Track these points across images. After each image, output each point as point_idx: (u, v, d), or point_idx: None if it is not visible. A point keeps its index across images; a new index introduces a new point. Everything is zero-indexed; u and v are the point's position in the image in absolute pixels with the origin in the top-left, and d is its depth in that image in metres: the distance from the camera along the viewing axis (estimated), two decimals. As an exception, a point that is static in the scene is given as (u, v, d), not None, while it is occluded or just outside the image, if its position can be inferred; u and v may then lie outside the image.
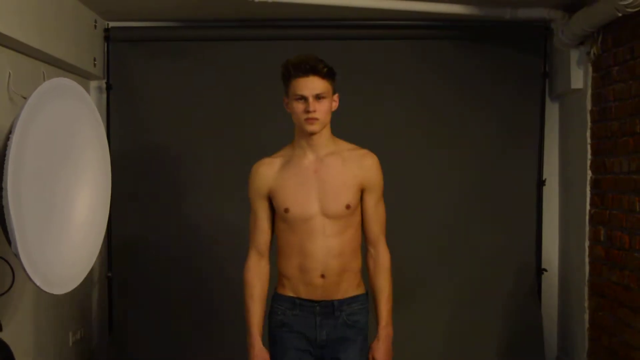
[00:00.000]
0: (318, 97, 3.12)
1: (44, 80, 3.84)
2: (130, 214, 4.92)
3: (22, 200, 2.91)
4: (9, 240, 2.88)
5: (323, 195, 3.22)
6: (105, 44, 4.88)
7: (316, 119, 3.12)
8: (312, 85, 3.12)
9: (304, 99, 3.12)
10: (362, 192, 3.28)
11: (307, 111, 3.11)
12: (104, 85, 4.93)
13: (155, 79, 4.91)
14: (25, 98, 3.54)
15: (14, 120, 2.92)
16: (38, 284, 2.98)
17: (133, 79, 4.92)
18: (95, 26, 4.70)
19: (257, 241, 3.33)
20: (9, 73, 3.60)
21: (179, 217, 4.97)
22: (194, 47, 4.94)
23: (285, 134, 3.38)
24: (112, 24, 4.90)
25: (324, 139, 3.24)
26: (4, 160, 2.84)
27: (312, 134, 3.18)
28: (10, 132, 2.89)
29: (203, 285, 4.95)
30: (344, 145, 3.32)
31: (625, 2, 3.69)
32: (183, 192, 4.96)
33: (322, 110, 3.13)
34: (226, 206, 4.89)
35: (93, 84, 4.96)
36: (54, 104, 3.17)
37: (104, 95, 4.93)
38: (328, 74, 3.16)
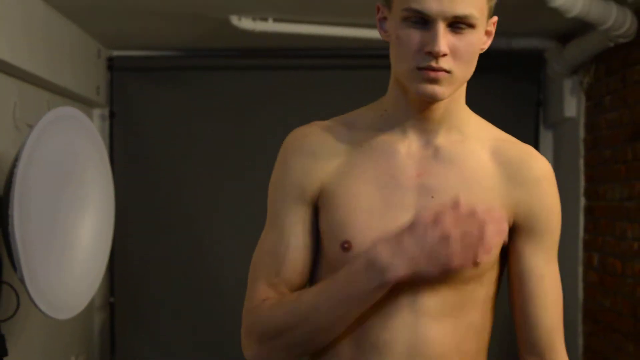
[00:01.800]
0: (458, 26, 1.57)
1: (48, 109, 3.91)
2: (133, 240, 4.98)
3: (28, 226, 2.97)
4: (14, 266, 2.94)
5: None
6: (109, 73, 4.96)
7: (446, 71, 1.57)
8: None
9: (424, 22, 1.56)
10: (513, 232, 1.73)
11: (429, 52, 1.55)
12: (107, 113, 5.01)
13: (158, 107, 4.98)
14: (30, 126, 3.61)
15: (20, 148, 2.99)
16: (43, 309, 3.04)
17: (136, 107, 4.99)
18: (98, 55, 4.78)
19: (279, 276, 1.69)
20: (15, 101, 3.67)
21: (182, 243, 5.01)
22: (196, 76, 5.01)
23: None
24: (115, 53, 4.98)
25: (452, 113, 1.70)
26: (10, 187, 2.91)
27: (431, 101, 1.63)
28: (16, 159, 2.96)
29: (207, 311, 4.99)
30: (491, 131, 1.77)
31: (617, 33, 3.77)
32: (186, 218, 5.01)
33: (464, 52, 1.57)
34: (228, 233, 4.94)
35: (96, 111, 5.03)
36: (59, 133, 3.24)
37: (107, 123, 5.01)
38: None
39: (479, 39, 1.61)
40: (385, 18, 1.66)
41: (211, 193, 5.00)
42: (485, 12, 1.63)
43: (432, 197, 1.64)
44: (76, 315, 3.43)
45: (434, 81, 1.56)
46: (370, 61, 4.99)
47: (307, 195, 1.69)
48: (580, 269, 4.59)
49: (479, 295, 1.70)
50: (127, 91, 4.99)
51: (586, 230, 4.54)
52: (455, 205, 1.53)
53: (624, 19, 3.69)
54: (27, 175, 2.97)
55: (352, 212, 1.64)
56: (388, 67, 1.70)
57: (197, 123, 5.01)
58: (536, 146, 5.00)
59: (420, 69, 1.56)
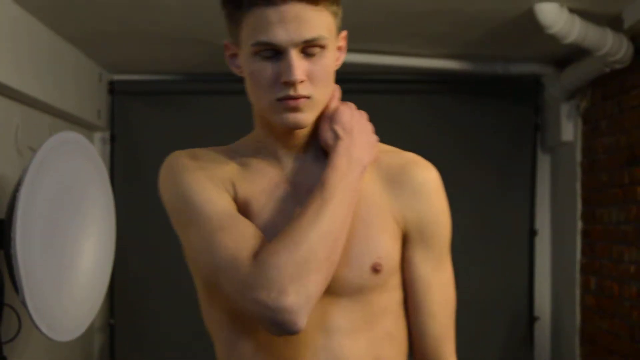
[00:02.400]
0: (309, 49, 1.56)
1: (50, 132, 3.95)
2: (134, 262, 4.99)
3: (30, 249, 3.00)
4: (16, 288, 2.96)
5: None
6: (110, 97, 4.99)
7: (306, 97, 1.57)
8: (294, 20, 1.53)
9: (275, 53, 1.55)
10: (405, 240, 1.71)
11: (286, 82, 1.54)
12: (108, 137, 5.04)
13: (159, 131, 5.00)
14: (31, 149, 3.65)
15: (23, 172, 3.02)
16: (44, 331, 3.06)
17: (137, 130, 5.02)
18: (100, 79, 4.82)
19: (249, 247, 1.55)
20: (17, 125, 3.70)
21: (182, 265, 4.99)
22: (197, 100, 5.04)
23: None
24: (116, 77, 5.02)
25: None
26: (12, 210, 2.94)
27: (297, 128, 1.63)
28: (19, 183, 2.99)
29: (207, 333, 4.99)
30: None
31: (613, 59, 3.81)
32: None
33: (320, 75, 1.58)
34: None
35: (97, 135, 5.07)
36: (61, 157, 3.27)
37: (108, 146, 5.04)
38: None
39: (332, 58, 1.61)
40: (235, 55, 1.65)
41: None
42: (334, 30, 1.60)
43: None
44: (76, 337, 3.44)
45: (296, 109, 1.56)
46: (368, 86, 5.04)
47: (228, 187, 1.67)
48: (577, 292, 4.61)
49: (387, 302, 1.69)
50: (127, 115, 5.02)
51: (583, 253, 4.57)
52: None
53: (619, 45, 3.74)
54: (30, 198, 3.00)
55: (262, 231, 1.60)
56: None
57: (197, 146, 5.01)
58: (534, 170, 5.05)
59: (280, 100, 1.56)
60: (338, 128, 1.65)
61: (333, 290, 1.60)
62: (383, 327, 1.68)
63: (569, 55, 4.41)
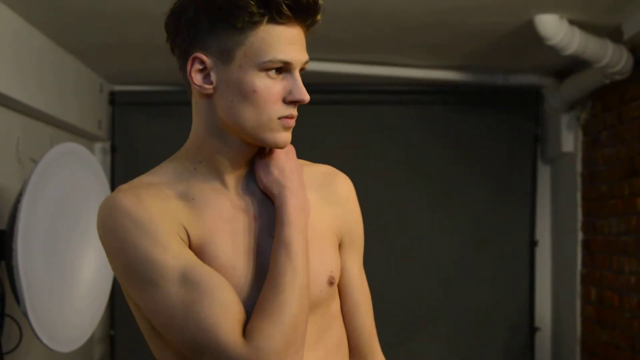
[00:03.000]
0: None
1: (51, 143, 3.95)
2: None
3: (31, 260, 3.00)
4: (17, 299, 2.97)
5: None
6: (110, 107, 5.01)
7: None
8: (299, 41, 1.59)
9: (281, 71, 1.58)
10: (340, 247, 1.77)
11: (296, 102, 1.60)
12: (109, 147, 5.04)
13: (159, 141, 4.99)
14: (33, 160, 3.65)
15: (24, 183, 3.03)
16: (45, 342, 3.06)
17: (137, 141, 5.03)
18: (101, 90, 4.83)
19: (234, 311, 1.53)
20: (18, 136, 3.71)
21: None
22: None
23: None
24: (117, 88, 5.03)
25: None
26: (14, 221, 2.95)
27: (281, 147, 1.64)
28: (20, 194, 3.00)
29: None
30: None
31: (613, 70, 3.82)
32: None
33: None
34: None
35: (98, 145, 5.07)
36: (63, 169, 3.28)
37: (109, 157, 5.04)
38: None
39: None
40: (205, 69, 1.59)
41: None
42: None
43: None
44: (77, 348, 3.45)
45: (289, 129, 1.60)
46: (366, 96, 5.05)
47: (183, 236, 1.59)
48: (578, 303, 4.62)
49: (336, 310, 1.75)
50: (128, 125, 5.03)
51: (584, 264, 4.57)
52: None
53: (619, 56, 3.75)
54: (31, 209, 3.00)
55: (217, 269, 1.57)
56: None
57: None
58: (534, 180, 5.06)
59: (280, 118, 1.57)
60: (279, 175, 1.65)
61: None
62: (334, 335, 1.73)
63: (569, 66, 4.42)
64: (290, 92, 1.57)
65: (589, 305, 4.49)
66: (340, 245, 1.75)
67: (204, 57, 1.58)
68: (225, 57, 1.57)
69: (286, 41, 1.54)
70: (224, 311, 1.51)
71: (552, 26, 3.53)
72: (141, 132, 5.03)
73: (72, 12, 3.50)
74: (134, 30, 3.79)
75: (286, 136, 1.60)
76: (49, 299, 3.16)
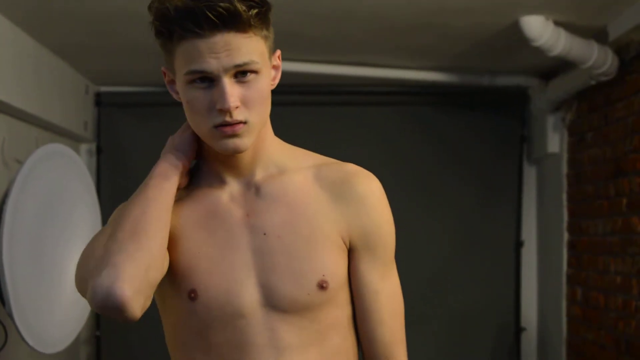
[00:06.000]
0: (242, 75, 1.59)
1: (37, 144, 3.94)
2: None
3: (17, 261, 3.00)
4: (2, 300, 2.96)
5: (267, 266, 1.67)
6: (96, 108, 4.99)
7: (242, 122, 1.59)
8: (224, 48, 1.55)
9: (209, 81, 1.59)
10: (351, 251, 1.72)
11: (221, 110, 1.57)
12: (94, 148, 5.03)
13: (146, 142, 4.99)
14: (18, 161, 3.64)
15: (10, 184, 3.03)
16: (31, 343, 3.06)
17: (123, 142, 5.01)
18: (86, 91, 4.81)
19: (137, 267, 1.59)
20: (3, 137, 3.70)
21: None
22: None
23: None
24: (103, 89, 5.01)
25: (262, 151, 1.73)
26: (-1, 223, 2.95)
27: (236, 154, 1.65)
28: (6, 195, 3.00)
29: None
30: (308, 158, 1.80)
31: (599, 71, 3.83)
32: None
33: (255, 99, 1.60)
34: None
35: (83, 147, 5.06)
36: (48, 169, 3.28)
37: (94, 158, 5.03)
38: (259, 17, 1.57)
39: (267, 81, 1.64)
40: (172, 81, 1.70)
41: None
42: (266, 52, 1.64)
43: (265, 234, 1.68)
44: (63, 349, 3.44)
45: (234, 135, 1.60)
46: (353, 97, 5.04)
47: None
48: (563, 303, 4.63)
49: (337, 318, 1.72)
50: (114, 127, 5.02)
51: (569, 264, 4.59)
52: None
53: (605, 57, 3.76)
54: (17, 211, 3.00)
55: (193, 261, 1.67)
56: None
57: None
58: (520, 181, 5.07)
59: (216, 126, 1.60)
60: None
61: (281, 308, 1.65)
62: (333, 343, 1.70)
63: (555, 67, 4.44)
64: (217, 101, 1.58)
65: (574, 306, 4.51)
66: (352, 250, 1.73)
67: (167, 71, 1.71)
68: (173, 71, 1.66)
69: (206, 51, 1.55)
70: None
71: (538, 27, 3.54)
72: (127, 134, 5.02)
73: (57, 13, 3.49)
74: (120, 31, 3.78)
75: (232, 143, 1.61)
76: (35, 300, 3.15)
